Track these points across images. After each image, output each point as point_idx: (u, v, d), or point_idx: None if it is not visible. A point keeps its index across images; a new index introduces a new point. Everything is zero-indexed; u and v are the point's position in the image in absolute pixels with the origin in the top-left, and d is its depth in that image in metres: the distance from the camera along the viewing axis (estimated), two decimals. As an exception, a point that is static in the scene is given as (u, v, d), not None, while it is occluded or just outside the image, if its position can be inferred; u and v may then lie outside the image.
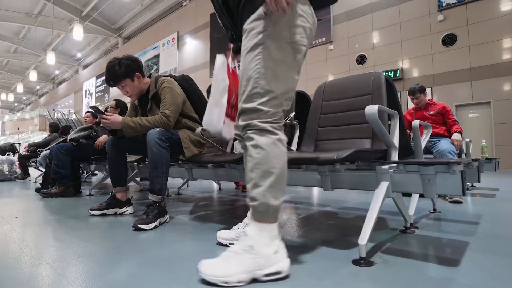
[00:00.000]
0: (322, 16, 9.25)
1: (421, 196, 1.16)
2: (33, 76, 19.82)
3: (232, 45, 1.16)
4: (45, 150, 3.75)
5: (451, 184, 1.01)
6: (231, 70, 1.14)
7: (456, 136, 2.59)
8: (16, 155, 5.69)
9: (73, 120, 20.41)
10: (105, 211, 1.87)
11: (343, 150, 1.10)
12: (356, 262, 0.99)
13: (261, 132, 0.89)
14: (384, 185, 1.12)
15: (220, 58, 1.13)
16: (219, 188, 3.45)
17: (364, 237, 0.99)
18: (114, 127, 1.77)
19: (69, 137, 3.07)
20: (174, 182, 3.88)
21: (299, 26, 0.92)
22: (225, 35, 1.12)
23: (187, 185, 3.79)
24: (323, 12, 9.19)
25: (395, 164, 1.16)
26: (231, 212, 2.01)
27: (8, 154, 5.73)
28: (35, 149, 5.19)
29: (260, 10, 0.90)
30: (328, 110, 1.62)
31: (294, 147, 1.85)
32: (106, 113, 1.76)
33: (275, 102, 0.90)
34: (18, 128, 23.97)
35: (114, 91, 17.82)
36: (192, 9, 14.03)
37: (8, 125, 25.42)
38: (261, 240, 0.86)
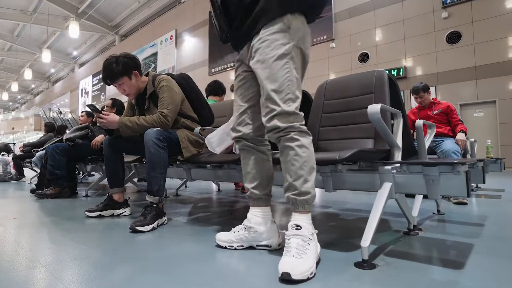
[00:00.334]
0: (324, 13, 9.16)
1: (425, 197, 1.14)
2: (28, 74, 19.68)
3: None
4: (41, 150, 3.71)
5: (456, 185, 1.00)
6: None
7: (460, 136, 2.57)
8: (11, 155, 5.64)
9: (69, 120, 20.29)
10: (101, 213, 1.85)
11: (345, 150, 1.09)
12: (358, 265, 0.97)
13: (302, 133, 1.03)
14: (387, 186, 1.10)
15: None
16: (218, 189, 3.44)
17: (366, 239, 0.98)
18: (111, 127, 1.74)
19: (65, 137, 3.05)
20: (172, 183, 3.88)
21: (308, 39, 1.10)
22: (217, 34, 1.19)
23: (186, 186, 3.77)
24: (324, 9, 9.12)
25: (398, 165, 1.15)
26: (230, 214, 1.99)
27: (3, 155, 5.67)
28: (30, 149, 5.16)
29: (281, 24, 1.03)
30: (329, 109, 1.60)
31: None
32: (103, 112, 1.74)
33: (299, 106, 1.05)
34: (13, 128, 23.80)
35: (111, 90, 17.71)
36: (190, 6, 13.92)
37: (2, 125, 25.21)
38: (312, 228, 1.01)
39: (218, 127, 1.62)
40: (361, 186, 1.21)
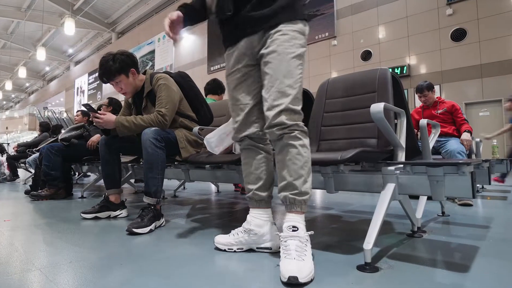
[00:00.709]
0: (326, 10, 9.10)
1: (429, 198, 1.13)
2: (22, 72, 19.49)
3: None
4: (35, 150, 3.67)
5: (461, 186, 0.98)
6: None
7: (465, 136, 2.55)
8: (5, 155, 5.58)
9: (64, 119, 20.15)
10: (98, 214, 1.83)
11: (347, 151, 1.07)
12: (361, 268, 0.96)
13: (304, 134, 1.03)
14: (390, 187, 1.09)
15: None
16: (217, 190, 3.41)
17: (369, 242, 0.97)
18: (107, 127, 1.71)
19: (60, 136, 3.02)
20: (170, 184, 3.86)
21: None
22: (215, 17, 1.17)
23: (184, 187, 3.74)
24: (326, 6, 9.06)
25: (401, 165, 1.13)
26: (229, 216, 1.98)
27: (-3, 155, 5.61)
28: (24, 149, 5.10)
29: (302, 25, 1.06)
30: (331, 109, 1.58)
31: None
32: (99, 111, 1.71)
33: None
34: (7, 128, 23.58)
35: (108, 89, 17.57)
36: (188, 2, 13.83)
37: (-4, 124, 24.99)
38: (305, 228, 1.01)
39: (217, 126, 1.61)
40: (364, 187, 1.19)
